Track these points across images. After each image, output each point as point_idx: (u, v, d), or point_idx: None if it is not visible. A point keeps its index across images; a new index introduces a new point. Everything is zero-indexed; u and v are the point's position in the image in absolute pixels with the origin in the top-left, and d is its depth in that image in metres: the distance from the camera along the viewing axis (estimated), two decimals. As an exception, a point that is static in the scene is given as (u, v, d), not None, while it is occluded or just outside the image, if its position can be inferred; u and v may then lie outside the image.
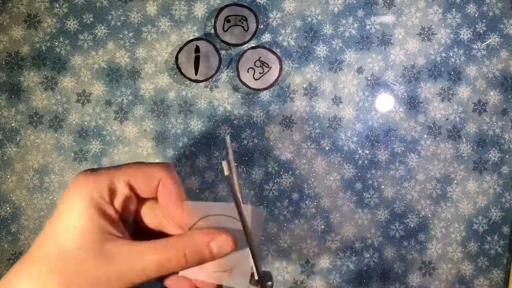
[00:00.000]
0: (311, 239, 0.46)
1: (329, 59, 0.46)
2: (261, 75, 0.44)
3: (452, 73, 0.47)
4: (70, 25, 0.45)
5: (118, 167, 0.31)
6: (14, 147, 0.44)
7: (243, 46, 0.45)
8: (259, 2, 0.45)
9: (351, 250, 0.46)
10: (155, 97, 0.45)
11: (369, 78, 0.46)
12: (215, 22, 0.44)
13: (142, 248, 0.30)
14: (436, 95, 0.47)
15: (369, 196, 0.46)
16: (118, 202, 0.31)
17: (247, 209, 0.30)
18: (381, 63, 0.46)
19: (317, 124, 0.46)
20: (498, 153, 0.47)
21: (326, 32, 0.46)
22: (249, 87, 0.44)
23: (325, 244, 0.46)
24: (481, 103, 0.47)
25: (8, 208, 0.44)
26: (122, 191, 0.31)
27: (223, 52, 0.45)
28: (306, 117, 0.46)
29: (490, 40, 0.47)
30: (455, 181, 0.47)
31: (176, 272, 0.31)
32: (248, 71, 0.44)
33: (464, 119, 0.47)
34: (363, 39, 0.46)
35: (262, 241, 0.46)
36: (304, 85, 0.46)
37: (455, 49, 0.47)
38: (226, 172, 0.28)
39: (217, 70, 0.44)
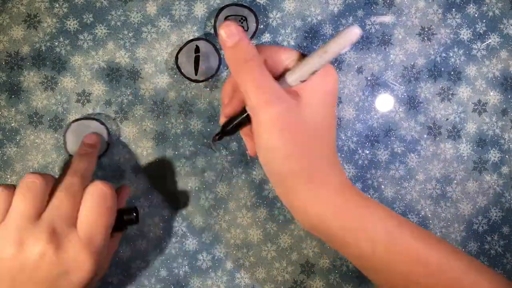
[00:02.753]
0: (311, 239, 0.46)
1: (329, 59, 0.46)
2: (261, 75, 0.44)
3: (452, 73, 0.47)
4: (70, 25, 0.45)
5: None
6: (14, 147, 0.44)
7: (243, 46, 0.45)
8: (259, 2, 0.45)
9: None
10: (155, 97, 0.45)
11: (369, 78, 0.46)
12: (215, 22, 0.44)
13: None
14: (436, 95, 0.47)
15: (369, 196, 0.46)
16: None
17: None
18: (381, 63, 0.46)
19: (317, 124, 0.46)
20: (498, 153, 0.47)
21: (326, 32, 0.46)
22: (249, 87, 0.44)
23: (325, 244, 0.46)
24: (481, 103, 0.47)
25: (8, 208, 0.44)
26: None
27: (223, 52, 0.45)
28: (306, 117, 0.46)
29: (490, 40, 0.47)
30: (455, 181, 0.47)
31: None
32: (248, 71, 0.44)
33: (464, 119, 0.47)
34: (363, 39, 0.46)
35: (262, 241, 0.46)
36: (304, 85, 0.46)
37: (455, 49, 0.47)
38: None
39: (217, 70, 0.44)
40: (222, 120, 0.38)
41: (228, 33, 0.33)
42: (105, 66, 0.45)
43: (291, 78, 0.35)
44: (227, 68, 0.45)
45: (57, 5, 0.44)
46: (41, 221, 0.35)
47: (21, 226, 0.34)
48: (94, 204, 0.37)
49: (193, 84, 0.45)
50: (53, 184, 0.37)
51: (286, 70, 0.35)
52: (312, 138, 0.35)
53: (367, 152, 0.46)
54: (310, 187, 0.35)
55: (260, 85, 0.33)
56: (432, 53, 0.46)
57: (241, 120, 0.36)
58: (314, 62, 0.34)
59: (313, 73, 0.34)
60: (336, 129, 0.46)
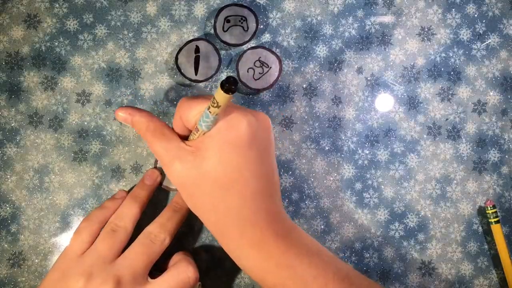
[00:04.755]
0: (311, 239, 0.46)
1: (329, 59, 0.46)
2: (261, 75, 0.44)
3: (451, 73, 0.47)
4: (70, 25, 0.45)
5: None
6: (14, 147, 0.44)
7: (243, 46, 0.45)
8: (259, 2, 0.45)
9: (351, 250, 0.46)
10: (155, 97, 0.45)
11: (368, 78, 0.46)
12: (215, 22, 0.44)
13: None
14: (436, 95, 0.47)
15: (369, 196, 0.46)
16: None
17: None
18: (381, 63, 0.46)
19: (317, 124, 0.46)
20: (497, 153, 0.47)
21: (326, 32, 0.46)
22: (249, 87, 0.44)
23: (325, 244, 0.46)
24: (481, 103, 0.47)
25: (8, 208, 0.44)
26: None
27: (223, 52, 0.45)
28: (306, 117, 0.46)
29: (490, 40, 0.47)
30: (455, 181, 0.47)
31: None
32: (248, 71, 0.44)
33: (463, 119, 0.47)
34: (363, 39, 0.46)
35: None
36: (304, 85, 0.46)
37: (455, 49, 0.47)
38: None
39: (217, 70, 0.44)
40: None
41: (122, 117, 0.40)
42: (105, 66, 0.45)
43: (190, 135, 0.38)
44: (227, 68, 0.46)
45: (57, 5, 0.44)
46: (113, 266, 0.37)
47: (95, 264, 0.38)
48: (174, 284, 0.38)
49: (193, 84, 0.45)
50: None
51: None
52: (217, 192, 0.35)
53: (367, 152, 0.46)
54: (223, 240, 0.37)
55: (156, 150, 0.37)
56: (432, 53, 0.46)
57: None
58: (200, 122, 0.35)
59: (208, 127, 0.35)
60: (336, 129, 0.46)
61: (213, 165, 0.35)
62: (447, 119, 0.47)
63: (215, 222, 0.36)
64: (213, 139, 0.35)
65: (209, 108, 0.34)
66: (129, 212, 0.41)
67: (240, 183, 0.35)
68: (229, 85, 0.31)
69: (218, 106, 0.33)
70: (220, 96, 0.32)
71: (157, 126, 0.38)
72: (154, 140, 0.37)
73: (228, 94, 0.32)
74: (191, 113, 0.37)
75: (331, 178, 0.46)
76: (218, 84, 0.32)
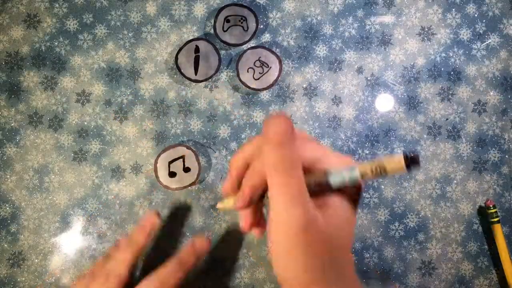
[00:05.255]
0: (311, 239, 0.46)
1: (329, 59, 0.46)
2: (261, 75, 0.44)
3: (452, 73, 0.47)
4: (70, 25, 0.45)
5: None
6: (14, 147, 0.44)
7: (243, 46, 0.45)
8: (259, 2, 0.45)
9: (351, 250, 0.46)
10: (155, 97, 0.45)
11: (369, 78, 0.46)
12: (214, 22, 0.44)
13: None
14: (436, 95, 0.47)
15: (369, 196, 0.46)
16: None
17: None
18: (381, 63, 0.46)
19: (317, 124, 0.46)
20: (497, 153, 0.47)
21: (326, 32, 0.46)
22: (249, 87, 0.44)
23: (325, 244, 0.46)
24: (481, 103, 0.47)
25: (8, 208, 0.44)
26: None
27: (222, 52, 0.45)
28: (306, 117, 0.46)
29: (490, 40, 0.47)
30: (455, 181, 0.47)
31: None
32: (248, 71, 0.44)
33: (464, 119, 0.47)
34: (363, 39, 0.46)
35: (262, 242, 0.46)
36: (304, 85, 0.46)
37: (455, 49, 0.47)
38: None
39: (217, 70, 0.44)
40: (226, 186, 0.32)
41: (278, 130, 0.30)
42: (105, 66, 0.45)
43: (334, 183, 0.30)
44: (227, 68, 0.45)
45: (57, 5, 0.44)
46: None
47: None
48: None
49: (193, 84, 0.45)
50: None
51: (320, 170, 0.31)
52: (330, 253, 0.29)
53: (367, 152, 0.46)
54: None
55: (293, 200, 0.29)
56: (432, 53, 0.46)
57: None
58: (333, 178, 0.30)
59: (336, 186, 0.30)
60: (336, 129, 0.46)
61: (336, 225, 0.30)
62: (447, 119, 0.47)
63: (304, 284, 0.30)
64: (344, 198, 0.31)
65: (363, 171, 0.29)
66: (122, 258, 0.40)
67: (349, 244, 0.32)
68: (413, 162, 0.28)
69: (380, 175, 0.29)
70: (396, 168, 0.28)
71: (300, 168, 0.30)
72: (294, 191, 0.29)
73: (408, 169, 0.28)
74: (328, 163, 0.31)
75: (331, 178, 0.46)
76: (401, 156, 0.28)
